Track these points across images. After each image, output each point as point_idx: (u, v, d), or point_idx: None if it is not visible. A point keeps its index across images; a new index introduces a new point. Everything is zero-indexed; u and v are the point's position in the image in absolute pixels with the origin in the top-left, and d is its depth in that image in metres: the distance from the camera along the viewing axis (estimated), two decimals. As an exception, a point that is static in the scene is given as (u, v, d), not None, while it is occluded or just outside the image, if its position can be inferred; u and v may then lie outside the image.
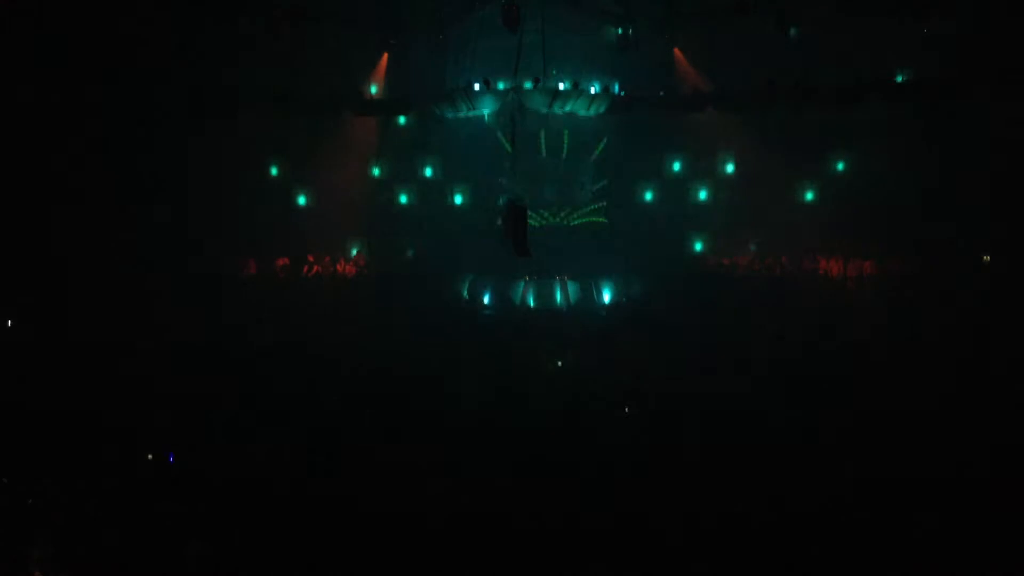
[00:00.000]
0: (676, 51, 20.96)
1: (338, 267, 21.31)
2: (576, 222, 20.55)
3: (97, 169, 18.36)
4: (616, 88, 20.59)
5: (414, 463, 9.95)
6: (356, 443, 10.78)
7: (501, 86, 19.36)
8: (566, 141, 20.42)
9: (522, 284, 19.92)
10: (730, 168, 21.70)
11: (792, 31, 17.98)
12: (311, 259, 21.17)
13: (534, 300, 19.82)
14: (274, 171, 21.43)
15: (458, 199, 21.63)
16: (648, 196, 21.98)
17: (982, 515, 8.29)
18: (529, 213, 15.42)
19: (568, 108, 19.79)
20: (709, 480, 9.38)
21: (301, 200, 21.48)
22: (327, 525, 8.49)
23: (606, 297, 20.12)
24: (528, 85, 18.87)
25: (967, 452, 9.85)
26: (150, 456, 10.11)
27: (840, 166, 20.74)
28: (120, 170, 18.64)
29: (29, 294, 16.64)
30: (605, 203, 21.11)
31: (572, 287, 19.90)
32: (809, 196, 20.92)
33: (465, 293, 20.31)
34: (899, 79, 18.61)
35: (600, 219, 20.91)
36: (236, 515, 8.58)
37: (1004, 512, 8.29)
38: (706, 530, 8.19)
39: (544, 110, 19.65)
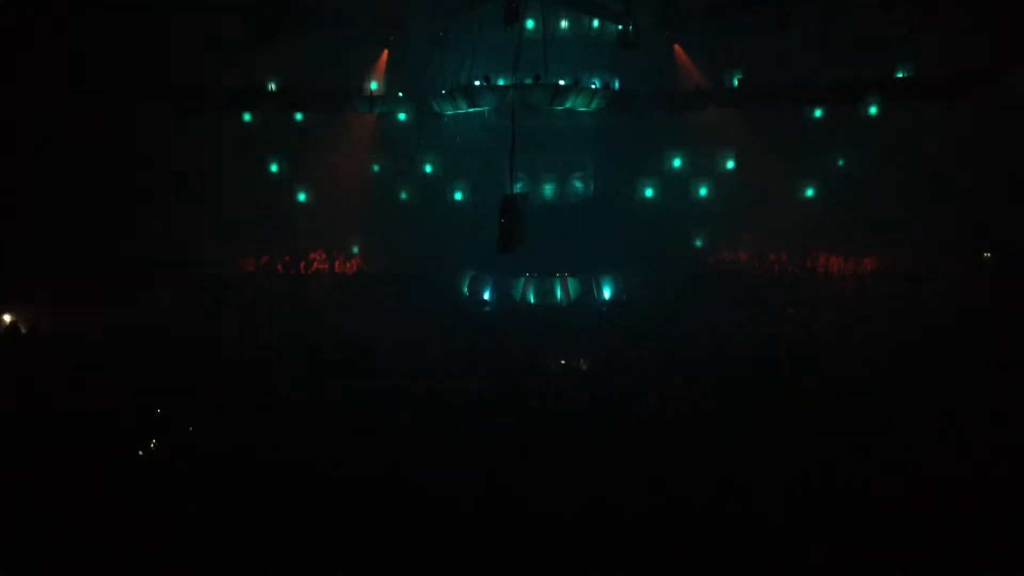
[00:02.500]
0: (676, 48, 20.94)
1: (337, 265, 21.32)
2: None
3: (95, 168, 18.45)
4: (616, 84, 20.59)
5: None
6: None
7: (501, 82, 19.35)
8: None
9: (523, 281, 19.97)
10: (730, 165, 21.72)
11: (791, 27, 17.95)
12: (310, 256, 21.19)
13: (535, 297, 19.88)
14: (274, 168, 21.49)
15: (458, 196, 21.68)
16: (649, 193, 22.01)
17: (983, 515, 8.30)
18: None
19: (568, 104, 19.73)
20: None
21: (301, 197, 21.55)
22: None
23: (606, 294, 20.15)
24: (528, 81, 18.85)
25: (965, 449, 9.87)
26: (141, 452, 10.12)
27: (840, 163, 20.74)
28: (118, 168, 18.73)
29: (28, 294, 16.70)
30: None
31: (572, 284, 19.93)
32: (810, 193, 20.95)
33: (465, 290, 20.34)
34: (899, 75, 18.59)
35: None
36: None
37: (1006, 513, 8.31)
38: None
39: (545, 106, 19.62)
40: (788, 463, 9.67)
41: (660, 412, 11.79)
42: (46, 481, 8.89)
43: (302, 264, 21.04)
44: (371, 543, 7.92)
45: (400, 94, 21.00)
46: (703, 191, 21.87)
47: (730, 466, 9.57)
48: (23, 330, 15.74)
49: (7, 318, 16.46)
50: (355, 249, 21.75)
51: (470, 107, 20.09)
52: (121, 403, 11.44)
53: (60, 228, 17.99)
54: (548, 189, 20.69)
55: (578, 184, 21.78)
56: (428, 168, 21.96)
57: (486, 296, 20.16)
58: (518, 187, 17.95)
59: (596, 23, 20.77)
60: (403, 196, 21.99)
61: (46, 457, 9.56)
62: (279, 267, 20.87)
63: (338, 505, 8.63)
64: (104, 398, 11.64)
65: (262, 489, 9.03)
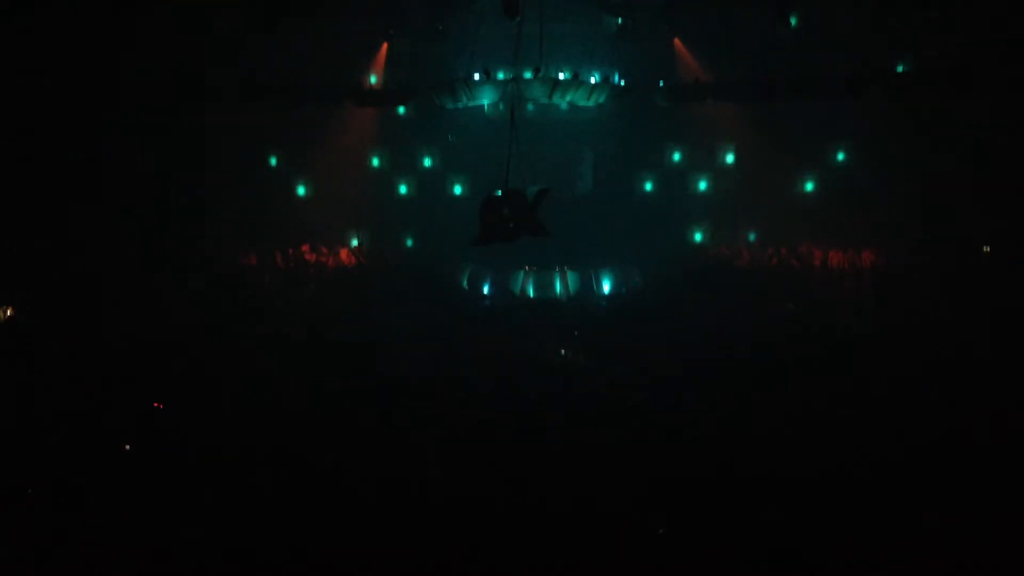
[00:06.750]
0: (676, 41, 20.88)
1: (332, 258, 21.28)
2: None
3: (95, 165, 18.39)
4: (616, 78, 20.51)
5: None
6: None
7: (501, 76, 19.30)
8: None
9: (522, 274, 19.97)
10: (730, 159, 21.67)
11: (793, 21, 17.89)
12: (305, 249, 21.16)
13: (534, 290, 19.89)
14: (273, 162, 21.46)
15: (457, 190, 21.68)
16: (648, 186, 21.99)
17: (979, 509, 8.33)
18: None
19: (568, 98, 19.66)
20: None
21: (300, 191, 21.52)
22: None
23: (606, 288, 20.13)
24: (528, 75, 18.80)
25: (963, 444, 9.89)
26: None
27: (840, 156, 20.71)
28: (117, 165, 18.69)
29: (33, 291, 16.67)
30: None
31: (572, 277, 19.91)
32: (809, 187, 20.93)
33: (464, 283, 20.34)
34: (900, 69, 18.52)
35: None
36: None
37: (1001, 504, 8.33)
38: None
39: (544, 100, 19.59)
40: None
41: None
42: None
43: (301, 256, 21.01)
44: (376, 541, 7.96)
45: (400, 87, 20.93)
46: (703, 185, 21.82)
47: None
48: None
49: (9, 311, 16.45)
50: (354, 242, 21.75)
51: (470, 101, 20.05)
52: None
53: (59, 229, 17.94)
54: (547, 182, 20.60)
55: (578, 177, 21.75)
56: (427, 162, 21.95)
57: (485, 291, 20.14)
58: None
59: (596, 16, 20.68)
60: (402, 190, 21.97)
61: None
62: (279, 260, 20.82)
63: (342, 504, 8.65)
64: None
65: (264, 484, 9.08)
